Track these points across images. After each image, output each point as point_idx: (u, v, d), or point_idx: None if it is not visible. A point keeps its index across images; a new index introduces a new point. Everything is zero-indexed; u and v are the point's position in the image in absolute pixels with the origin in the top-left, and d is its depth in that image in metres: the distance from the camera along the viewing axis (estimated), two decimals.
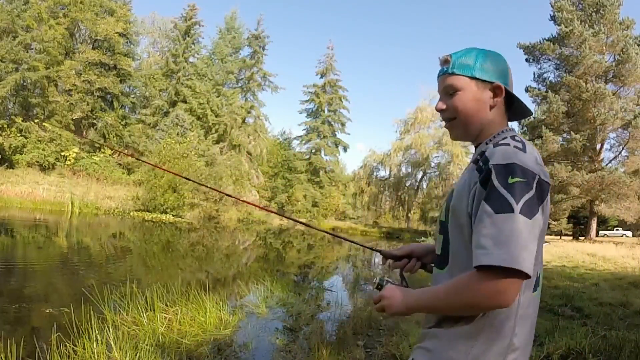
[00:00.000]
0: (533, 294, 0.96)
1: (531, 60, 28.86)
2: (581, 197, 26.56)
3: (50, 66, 29.74)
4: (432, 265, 1.11)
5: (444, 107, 1.07)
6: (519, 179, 0.86)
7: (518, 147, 0.92)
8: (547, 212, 0.93)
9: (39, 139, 29.13)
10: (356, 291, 7.45)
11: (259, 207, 2.65)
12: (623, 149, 26.37)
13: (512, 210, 0.84)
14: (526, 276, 0.84)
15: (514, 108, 1.10)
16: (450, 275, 0.98)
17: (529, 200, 0.86)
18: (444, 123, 1.14)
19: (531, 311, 0.96)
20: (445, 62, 1.06)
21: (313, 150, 44.27)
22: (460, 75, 1.04)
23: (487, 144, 1.02)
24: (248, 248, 15.31)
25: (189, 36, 38.47)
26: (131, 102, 36.69)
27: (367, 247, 1.47)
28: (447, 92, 1.06)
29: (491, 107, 1.04)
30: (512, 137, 0.97)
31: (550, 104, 25.52)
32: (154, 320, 3.89)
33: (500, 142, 0.95)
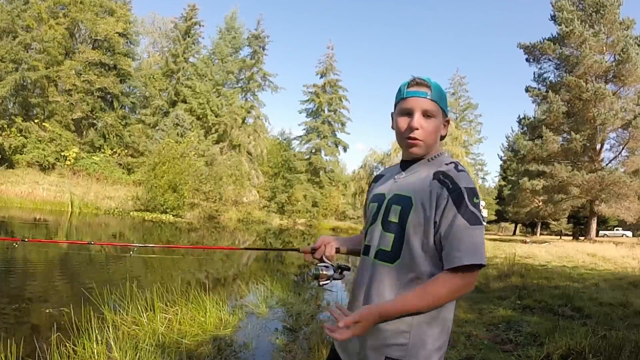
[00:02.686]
0: None
1: (531, 60, 28.87)
2: (581, 197, 26.56)
3: (50, 66, 29.73)
4: (364, 255, 1.28)
5: (417, 126, 1.21)
6: (478, 200, 1.14)
7: (468, 173, 1.18)
8: None
9: (39, 139, 29.12)
10: None
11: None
12: (623, 149, 26.37)
13: (480, 223, 1.12)
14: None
15: None
16: (399, 268, 1.16)
17: (481, 214, 1.14)
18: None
19: None
20: (426, 86, 1.22)
21: (313, 150, 44.25)
22: (437, 104, 1.22)
23: (429, 161, 1.25)
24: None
25: (189, 36, 38.45)
26: (131, 102, 36.66)
27: (284, 250, 1.79)
28: (426, 114, 1.21)
29: (442, 137, 1.28)
30: (458, 163, 1.21)
31: (550, 104, 25.54)
32: (154, 320, 3.89)
33: (459, 168, 1.18)
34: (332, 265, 1.36)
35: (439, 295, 1.09)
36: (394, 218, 1.20)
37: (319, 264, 1.36)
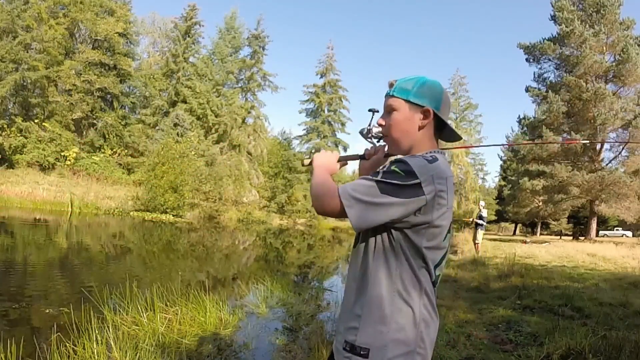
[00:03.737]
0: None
1: (531, 60, 28.83)
2: (581, 197, 26.55)
3: (50, 66, 29.74)
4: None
5: (383, 123, 1.29)
6: (398, 170, 1.08)
7: (425, 158, 1.13)
8: (435, 210, 1.11)
9: (39, 139, 29.12)
10: None
11: None
12: (623, 149, 26.34)
13: (374, 177, 1.10)
14: (340, 213, 1.11)
15: (445, 131, 1.28)
16: (359, 249, 1.20)
17: (392, 185, 1.07)
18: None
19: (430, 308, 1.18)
20: (390, 85, 1.28)
21: (313, 150, 44.24)
22: (398, 97, 1.24)
23: None
24: (248, 248, 15.31)
25: (189, 36, 38.46)
26: (131, 102, 36.67)
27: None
28: (387, 110, 1.28)
29: (420, 128, 1.23)
30: (428, 152, 1.20)
31: (550, 104, 25.51)
32: (154, 320, 3.89)
33: (416, 155, 1.18)
34: (376, 139, 1.45)
35: (316, 182, 1.21)
36: None
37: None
